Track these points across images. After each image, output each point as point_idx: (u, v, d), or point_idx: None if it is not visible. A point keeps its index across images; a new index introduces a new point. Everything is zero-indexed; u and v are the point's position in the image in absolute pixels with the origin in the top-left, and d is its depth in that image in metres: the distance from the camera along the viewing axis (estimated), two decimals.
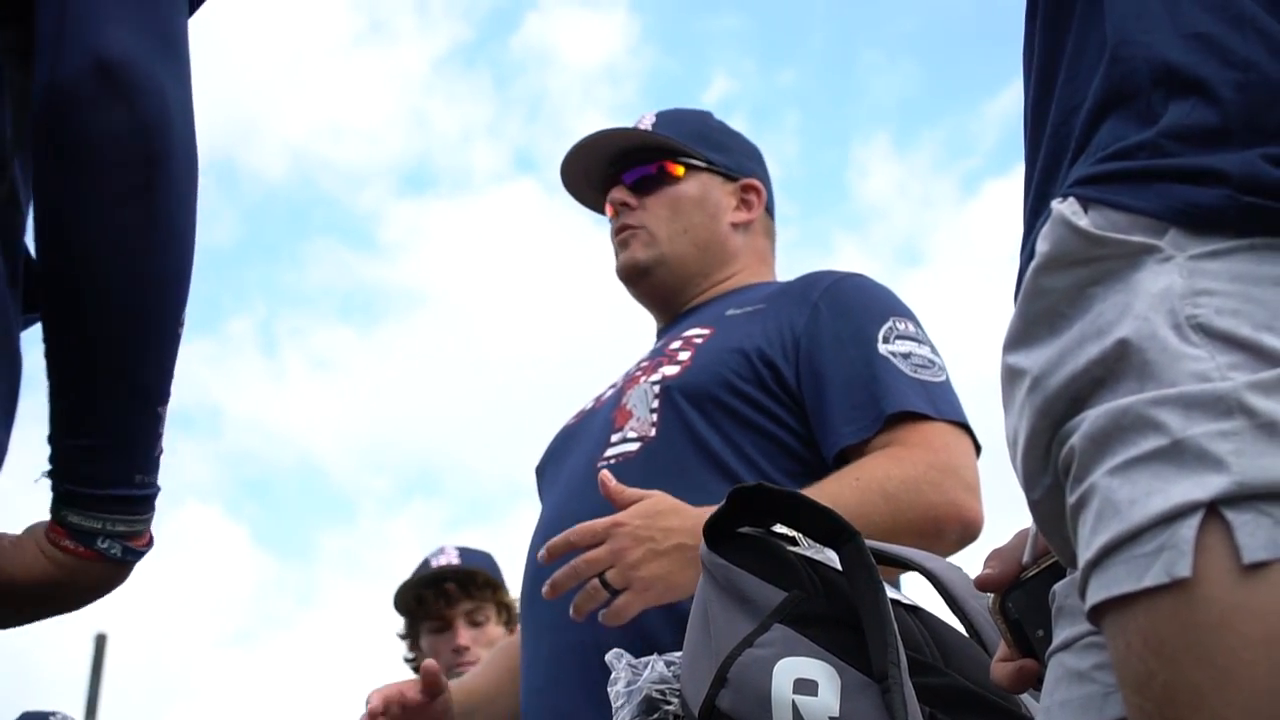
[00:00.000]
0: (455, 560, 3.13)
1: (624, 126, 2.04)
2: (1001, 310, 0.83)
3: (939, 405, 1.69)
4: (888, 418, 1.65)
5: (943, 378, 1.73)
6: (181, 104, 0.99)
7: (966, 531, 1.61)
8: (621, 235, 1.99)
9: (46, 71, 0.95)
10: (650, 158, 1.98)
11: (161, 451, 1.04)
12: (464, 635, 3.03)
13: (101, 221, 0.96)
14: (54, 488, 1.02)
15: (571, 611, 1.52)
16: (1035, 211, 0.80)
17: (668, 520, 1.50)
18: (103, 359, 0.99)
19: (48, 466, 1.02)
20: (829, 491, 1.51)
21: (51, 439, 1.01)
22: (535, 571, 1.80)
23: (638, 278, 2.00)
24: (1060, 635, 0.81)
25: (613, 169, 2.02)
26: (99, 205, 0.96)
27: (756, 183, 2.02)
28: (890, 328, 1.74)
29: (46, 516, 1.04)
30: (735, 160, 2.03)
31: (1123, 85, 0.75)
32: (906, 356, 1.72)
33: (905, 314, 1.80)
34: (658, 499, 1.53)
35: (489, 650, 3.02)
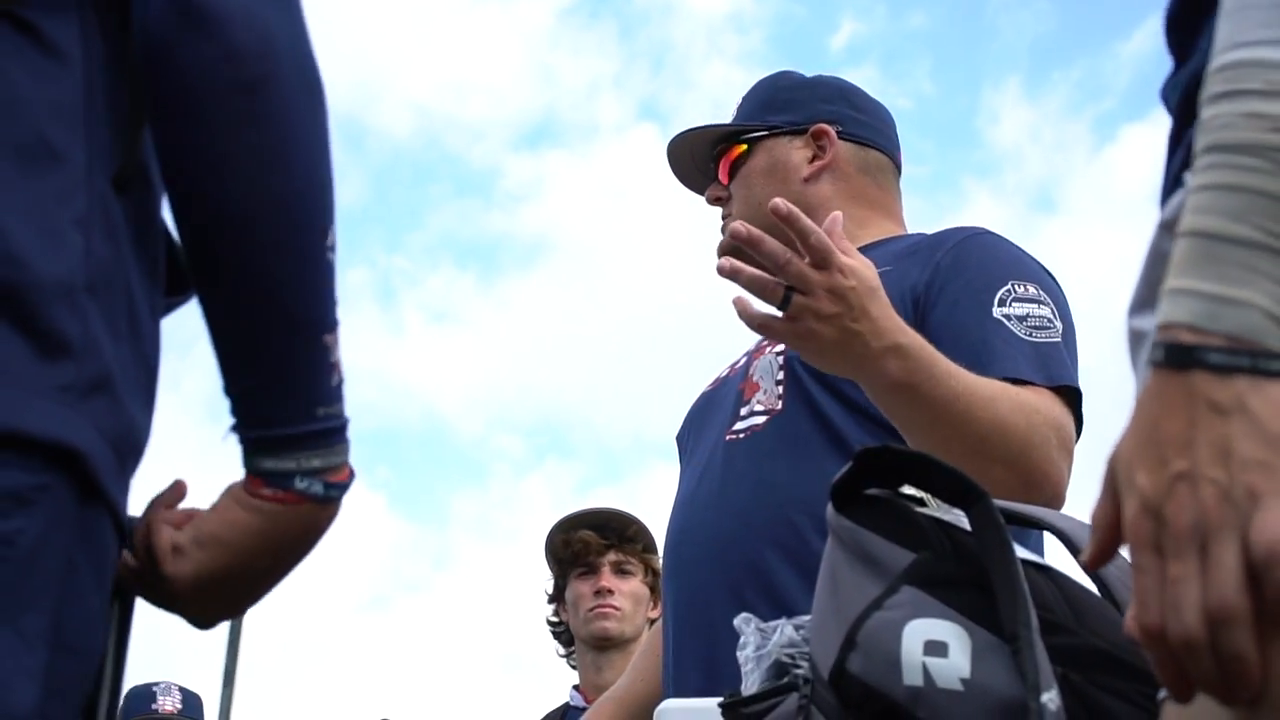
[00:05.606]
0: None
1: (709, 124, 2.05)
2: (1139, 259, 0.82)
3: (1049, 367, 1.64)
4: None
5: (1057, 337, 1.68)
6: (286, 28, 0.97)
7: (1056, 494, 1.57)
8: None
9: (138, 23, 0.94)
10: (731, 146, 2.01)
11: (341, 380, 1.03)
12: (608, 579, 3.04)
13: (214, 156, 0.95)
14: (241, 440, 1.01)
15: (730, 271, 1.49)
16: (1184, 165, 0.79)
17: (875, 308, 1.48)
18: (246, 293, 0.98)
19: (231, 423, 1.01)
20: (966, 380, 1.53)
21: (226, 391, 1.00)
22: (675, 549, 1.82)
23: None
24: None
25: (711, 165, 2.05)
26: (209, 141, 0.95)
27: (823, 125, 1.98)
28: (1009, 290, 1.70)
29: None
30: (803, 111, 2.01)
31: None
32: (1023, 319, 1.67)
33: (1029, 277, 1.74)
34: (874, 274, 1.50)
35: (632, 601, 3.07)
